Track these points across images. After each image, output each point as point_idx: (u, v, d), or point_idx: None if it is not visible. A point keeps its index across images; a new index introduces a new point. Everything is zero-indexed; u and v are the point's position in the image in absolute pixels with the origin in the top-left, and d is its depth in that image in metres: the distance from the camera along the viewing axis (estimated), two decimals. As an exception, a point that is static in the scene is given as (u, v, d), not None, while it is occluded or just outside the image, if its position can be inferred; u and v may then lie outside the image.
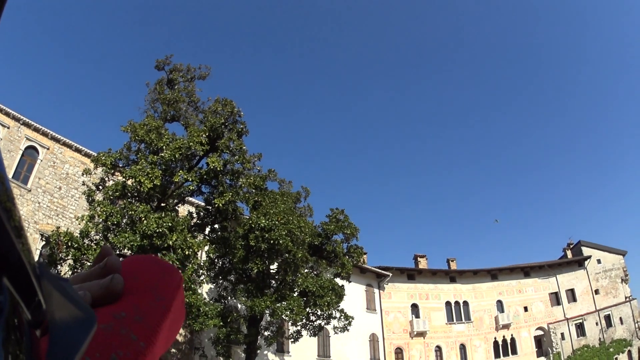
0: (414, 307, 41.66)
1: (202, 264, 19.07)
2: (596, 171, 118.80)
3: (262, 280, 19.61)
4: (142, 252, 16.42)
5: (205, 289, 22.41)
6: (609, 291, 51.32)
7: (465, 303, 44.27)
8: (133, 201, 17.35)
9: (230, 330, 19.13)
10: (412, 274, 42.91)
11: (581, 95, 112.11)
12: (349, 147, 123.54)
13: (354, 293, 33.08)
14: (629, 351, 48.99)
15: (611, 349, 48.03)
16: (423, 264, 44.74)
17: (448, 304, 43.53)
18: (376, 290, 39.35)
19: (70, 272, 16.49)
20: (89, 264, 15.96)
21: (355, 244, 22.95)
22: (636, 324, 50.25)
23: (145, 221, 15.79)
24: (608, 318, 49.68)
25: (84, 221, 17.18)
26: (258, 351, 21.40)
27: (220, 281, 20.56)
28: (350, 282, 24.99)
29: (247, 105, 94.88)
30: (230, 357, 20.98)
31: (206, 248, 19.34)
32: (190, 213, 20.41)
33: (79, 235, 16.73)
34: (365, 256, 35.24)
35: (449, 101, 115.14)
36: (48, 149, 23.12)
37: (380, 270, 39.35)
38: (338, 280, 22.41)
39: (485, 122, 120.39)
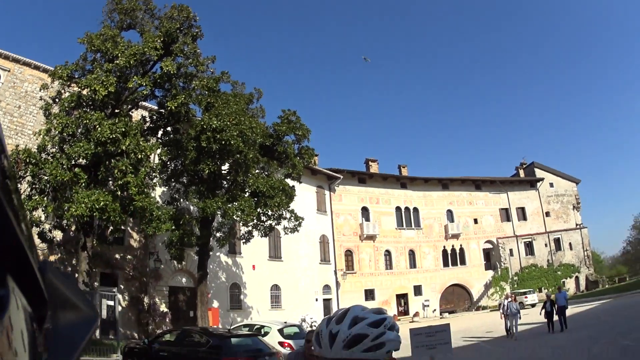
0: (365, 211, 43.51)
1: (154, 167, 19.91)
2: (563, 102, 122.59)
3: (213, 181, 20.49)
4: (97, 160, 17.41)
5: (158, 192, 23.24)
6: (559, 215, 54.83)
7: (416, 210, 46.65)
8: (88, 110, 17.90)
9: (183, 233, 19.97)
10: (363, 178, 44.46)
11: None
12: (303, 49, 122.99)
13: (304, 194, 34.52)
14: (577, 277, 53.00)
15: (559, 272, 51.92)
16: (374, 168, 46.31)
17: (398, 209, 45.68)
18: (327, 192, 40.82)
19: (29, 189, 17.30)
20: (46, 178, 16.81)
21: (307, 145, 23.78)
22: (585, 252, 54.12)
23: (99, 128, 16.40)
24: (558, 242, 53.25)
25: (41, 136, 17.75)
26: (210, 253, 22.88)
27: (173, 184, 21.44)
28: (301, 183, 26.18)
29: (204, 9, 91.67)
30: (184, 259, 22.46)
31: (158, 151, 19.93)
32: (143, 117, 21.05)
33: (36, 151, 17.38)
34: (316, 158, 36.58)
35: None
36: (9, 71, 22.95)
37: (331, 172, 40.65)
38: (289, 181, 23.40)
39: (451, 23, 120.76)
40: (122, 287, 23.69)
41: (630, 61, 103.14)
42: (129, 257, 24.12)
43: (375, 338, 1.45)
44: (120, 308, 23.37)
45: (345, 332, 1.44)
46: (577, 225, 55.77)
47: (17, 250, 0.52)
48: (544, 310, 20.61)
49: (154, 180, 20.66)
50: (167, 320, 23.82)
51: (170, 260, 22.70)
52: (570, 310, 30.01)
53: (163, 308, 24.31)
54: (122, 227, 22.35)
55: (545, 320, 20.25)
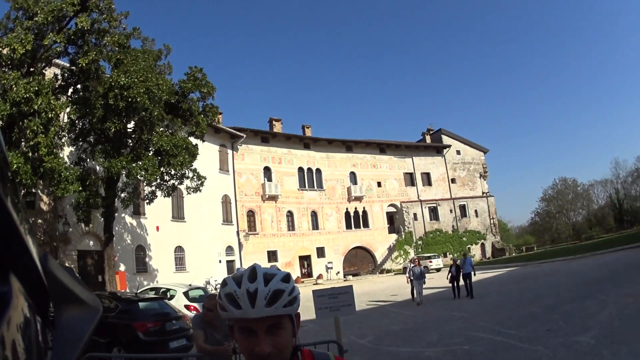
0: (267, 171, 44.10)
1: (63, 126, 19.70)
2: (473, 70, 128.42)
3: (119, 140, 20.41)
4: (11, 121, 16.97)
5: (66, 152, 22.82)
6: (466, 183, 57.50)
7: (318, 171, 47.72)
8: (7, 70, 17.37)
9: (90, 194, 19.96)
10: (266, 137, 44.89)
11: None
12: (211, 8, 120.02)
13: (207, 153, 34.92)
14: (483, 244, 56.39)
15: (464, 238, 54.98)
16: (278, 128, 46.85)
17: (301, 170, 46.54)
18: (229, 152, 41.16)
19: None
20: None
21: (211, 103, 23.92)
22: (491, 220, 57.46)
23: (15, 88, 16.13)
24: (463, 208, 56.23)
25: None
26: (116, 214, 22.88)
27: (80, 143, 21.11)
28: (204, 141, 26.41)
29: None
30: (90, 222, 22.36)
31: (68, 110, 19.70)
32: (55, 75, 20.56)
33: None
34: (220, 116, 37.15)
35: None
36: None
37: (234, 131, 40.91)
38: (192, 140, 23.60)
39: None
40: (33, 253, 22.96)
41: (540, 32, 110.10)
42: (39, 221, 23.43)
43: (290, 292, 1.52)
44: (31, 277, 22.69)
45: (264, 290, 1.47)
46: (483, 193, 58.64)
47: (19, 246, 0.56)
48: (450, 275, 20.96)
49: (63, 140, 20.32)
50: None
51: (78, 223, 22.49)
52: (476, 277, 31.96)
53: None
54: (33, 190, 21.75)
55: (450, 285, 20.75)
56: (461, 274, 20.61)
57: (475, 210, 57.43)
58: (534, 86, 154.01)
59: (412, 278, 20.28)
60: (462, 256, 22.03)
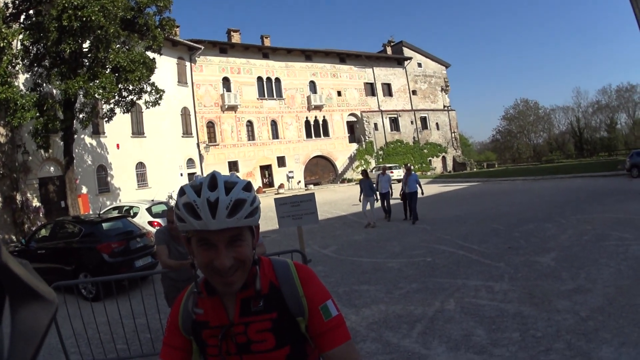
0: (226, 81, 43.55)
1: (17, 54, 18.94)
2: None
3: (75, 60, 19.79)
4: None
5: (21, 80, 22.04)
6: (427, 95, 57.67)
7: (278, 80, 47.22)
8: None
9: (48, 119, 19.65)
10: (224, 48, 44.02)
11: None
12: None
13: (165, 67, 34.45)
14: (444, 157, 57.21)
15: (425, 150, 55.65)
16: (236, 38, 45.89)
17: (260, 79, 45.96)
18: (188, 64, 40.40)
19: None
20: None
21: (168, 17, 23.17)
22: (452, 134, 58.12)
23: None
24: (424, 120, 56.57)
25: None
26: (75, 136, 22.54)
27: (36, 68, 20.30)
28: (161, 55, 25.84)
29: None
30: (50, 147, 21.90)
31: (20, 36, 18.91)
32: (5, 3, 19.38)
33: None
34: (177, 29, 35.97)
35: None
36: None
37: (192, 43, 39.98)
38: (149, 54, 23.08)
39: None
40: (-7, 188, 22.69)
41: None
42: None
43: (252, 202, 1.47)
44: (-5, 212, 22.58)
45: (225, 200, 1.40)
46: (445, 106, 59.18)
47: None
48: (402, 192, 18.07)
49: (17, 68, 19.54)
50: (41, 215, 23.38)
51: (37, 150, 22.23)
52: (437, 189, 31.95)
53: (35, 203, 23.76)
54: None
55: (402, 203, 18.36)
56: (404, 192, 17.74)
57: (437, 123, 58.19)
58: (500, 7, 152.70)
59: (381, 192, 18.21)
60: (406, 170, 18.29)
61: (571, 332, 5.63)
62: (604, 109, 78.07)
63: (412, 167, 19.17)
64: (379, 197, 17.93)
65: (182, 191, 1.47)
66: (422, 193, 18.15)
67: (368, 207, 16.83)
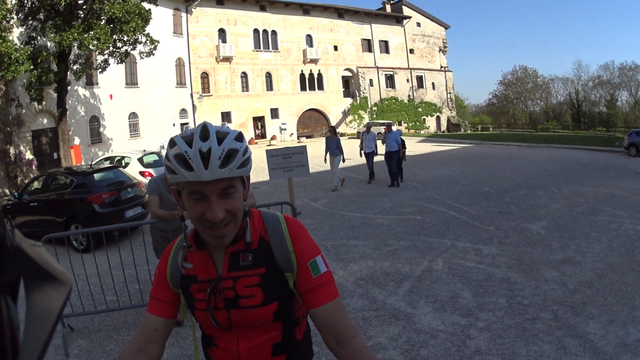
0: (222, 32, 43.20)
1: (11, 8, 19.03)
2: None
3: (69, 12, 19.74)
4: None
5: (15, 34, 22.04)
6: (424, 55, 57.14)
7: (274, 33, 46.80)
8: None
9: (41, 72, 19.79)
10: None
11: None
12: None
13: (160, 17, 34.18)
14: (438, 117, 57.04)
15: (420, 109, 55.44)
16: (234, -11, 45.15)
17: (256, 31, 45.54)
18: (184, 14, 40.00)
19: None
20: None
21: (166, -35, 23.32)
22: (448, 94, 57.65)
23: None
24: (420, 79, 56.06)
25: None
26: (68, 88, 22.81)
27: (30, 22, 20.37)
28: (157, 5, 25.77)
29: None
30: (43, 99, 22.16)
31: None
32: None
33: None
34: (174, -22, 35.59)
35: None
36: None
37: (188, -7, 39.38)
38: (145, 4, 23.04)
39: None
40: (-13, 142, 22.90)
41: None
42: None
43: (244, 152, 1.46)
44: (-12, 165, 22.81)
45: (218, 149, 1.39)
46: (442, 67, 58.67)
47: None
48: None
49: (11, 22, 19.65)
50: (34, 168, 23.62)
51: (31, 102, 22.45)
52: (430, 148, 31.66)
53: (28, 155, 24.02)
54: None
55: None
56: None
57: (433, 83, 57.88)
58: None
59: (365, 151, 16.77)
60: (386, 127, 16.49)
61: (558, 303, 5.69)
62: (605, 85, 77.03)
63: (393, 125, 17.60)
64: (344, 158, 16.39)
65: (172, 142, 1.46)
66: (403, 157, 16.12)
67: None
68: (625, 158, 24.52)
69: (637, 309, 5.49)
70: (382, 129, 18.72)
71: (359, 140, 18.12)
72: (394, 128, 17.33)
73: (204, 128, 1.44)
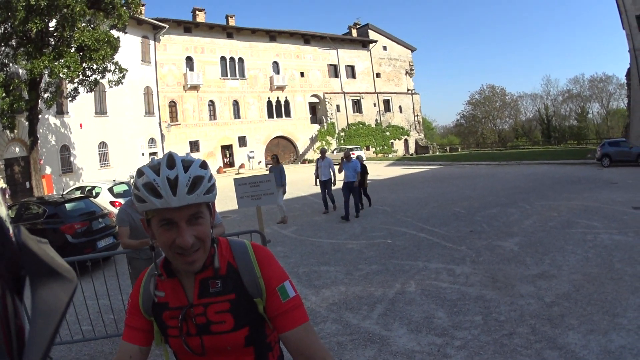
0: (189, 60, 43.20)
1: None
2: None
3: (40, 39, 19.72)
4: None
5: None
6: (391, 79, 57.86)
7: (241, 60, 46.99)
8: None
9: (13, 99, 19.64)
10: (189, 27, 43.52)
11: None
12: None
13: (129, 45, 34.05)
14: (406, 140, 57.56)
15: (387, 133, 55.99)
16: (201, 17, 45.35)
17: (223, 59, 45.65)
18: (152, 42, 40.00)
19: None
20: None
21: (134, -5, 23.10)
22: (416, 117, 58.39)
23: None
24: (387, 103, 56.83)
25: None
26: (40, 116, 22.54)
27: (2, 48, 20.15)
28: (126, 34, 26.02)
29: None
30: (15, 127, 21.71)
31: None
32: None
33: None
34: (143, 7, 35.47)
35: None
36: None
37: (156, 22, 39.54)
38: (114, 33, 23.05)
39: None
40: (-40, 171, 22.21)
41: None
42: None
43: (209, 179, 1.50)
44: (-38, 195, 22.06)
45: (184, 176, 1.43)
46: (408, 90, 59.45)
47: None
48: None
49: None
50: (7, 197, 23.12)
51: (3, 130, 22.07)
52: (399, 171, 31.59)
53: (1, 184, 23.48)
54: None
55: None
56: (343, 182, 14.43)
57: (400, 106, 58.69)
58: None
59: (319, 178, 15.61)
60: (345, 157, 14.68)
61: (535, 317, 5.64)
62: (575, 98, 78.43)
63: (351, 154, 15.41)
64: (285, 189, 14.90)
65: (140, 172, 1.50)
66: (365, 184, 15.38)
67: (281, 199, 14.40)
68: (598, 169, 24.73)
69: (619, 316, 5.49)
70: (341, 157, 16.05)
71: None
72: (354, 155, 16.72)
73: (170, 157, 1.50)
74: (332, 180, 15.38)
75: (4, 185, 23.67)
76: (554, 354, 4.67)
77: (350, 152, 15.91)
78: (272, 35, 49.53)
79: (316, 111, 52.79)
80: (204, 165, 1.53)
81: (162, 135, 39.96)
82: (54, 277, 0.64)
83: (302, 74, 51.29)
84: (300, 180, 28.69)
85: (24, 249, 0.62)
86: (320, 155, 15.73)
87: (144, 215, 1.52)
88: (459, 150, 64.77)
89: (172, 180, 1.42)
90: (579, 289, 6.52)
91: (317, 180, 15.88)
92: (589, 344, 4.80)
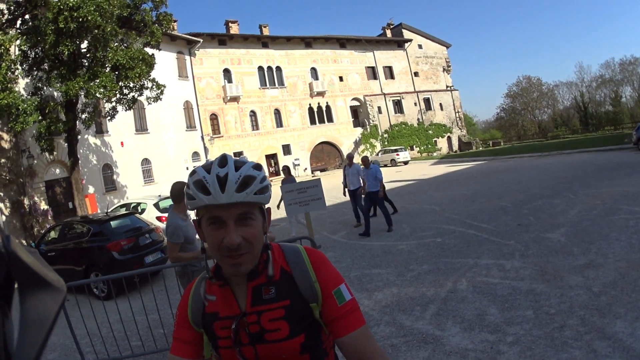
0: (227, 73, 43.56)
1: (15, 59, 19.00)
2: None
3: (73, 61, 19.82)
4: None
5: (21, 85, 22.17)
6: (429, 77, 57.20)
7: (279, 68, 47.08)
8: None
9: (50, 122, 19.84)
10: (223, 40, 43.92)
11: None
12: None
13: (165, 62, 34.67)
14: (449, 137, 56.90)
15: (430, 131, 55.38)
16: (235, 29, 45.71)
17: (261, 68, 45.87)
18: (187, 57, 40.48)
19: None
20: None
21: (165, 12, 23.26)
22: (457, 113, 57.66)
23: None
24: (428, 101, 56.19)
25: None
26: (79, 137, 22.73)
27: (35, 72, 20.46)
28: (160, 50, 26.04)
29: None
30: (54, 149, 22.02)
31: (18, 42, 19.01)
32: (0, 10, 19.59)
33: None
34: (175, 23, 35.86)
35: None
36: None
37: (190, 37, 40.01)
38: (148, 50, 23.18)
39: None
40: (1, 194, 22.84)
41: None
42: (2, 160, 23.05)
43: (262, 181, 1.49)
44: (4, 218, 22.66)
45: (235, 175, 1.43)
46: (447, 87, 58.73)
47: None
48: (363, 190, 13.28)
49: (16, 73, 19.67)
50: (50, 218, 23.58)
51: (42, 153, 22.38)
52: (444, 169, 31.33)
53: (43, 206, 23.98)
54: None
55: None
56: (362, 192, 13.28)
57: (440, 104, 57.88)
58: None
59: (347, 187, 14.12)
60: (362, 163, 13.19)
61: (584, 308, 5.64)
62: (608, 83, 77.75)
63: (369, 158, 13.88)
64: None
65: (193, 172, 1.51)
66: (383, 194, 13.04)
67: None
68: (635, 153, 24.22)
69: (664, 301, 5.50)
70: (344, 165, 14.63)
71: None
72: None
73: (223, 157, 1.50)
74: (363, 190, 13.20)
75: (46, 207, 24.21)
76: (602, 344, 4.67)
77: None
78: (308, 42, 49.59)
79: (358, 114, 52.55)
80: (257, 167, 1.52)
81: (205, 148, 40.26)
82: (43, 286, 0.63)
83: (340, 79, 51.14)
84: (346, 186, 28.38)
85: (14, 258, 0.60)
86: (347, 161, 14.00)
87: (195, 212, 1.53)
88: (502, 144, 64.33)
89: (221, 177, 1.43)
90: (624, 276, 6.43)
91: (346, 189, 14.31)
92: (635, 332, 4.78)
